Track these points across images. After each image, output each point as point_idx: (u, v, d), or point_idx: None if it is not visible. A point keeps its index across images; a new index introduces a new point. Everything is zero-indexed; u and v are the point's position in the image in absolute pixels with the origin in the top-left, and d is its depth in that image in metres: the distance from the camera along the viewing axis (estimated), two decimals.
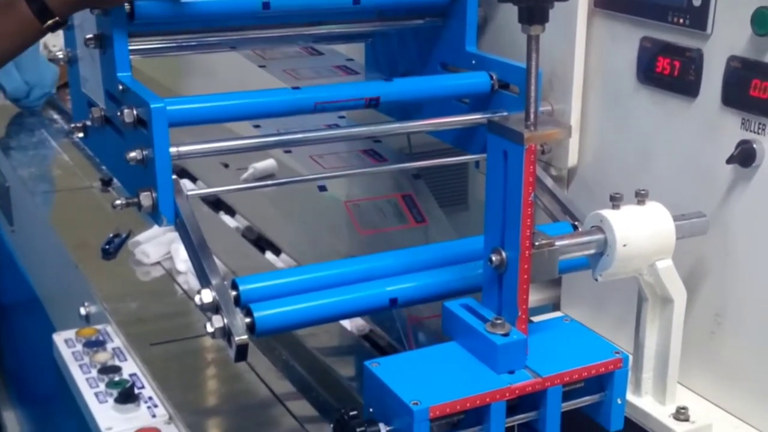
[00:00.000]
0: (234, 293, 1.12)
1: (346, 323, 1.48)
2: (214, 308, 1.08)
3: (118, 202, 1.17)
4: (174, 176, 1.16)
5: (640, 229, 1.11)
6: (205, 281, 1.09)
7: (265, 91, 1.27)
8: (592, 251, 1.11)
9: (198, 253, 1.12)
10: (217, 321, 1.07)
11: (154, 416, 1.24)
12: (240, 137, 1.27)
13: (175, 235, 1.69)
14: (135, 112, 1.16)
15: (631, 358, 1.14)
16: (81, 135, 1.40)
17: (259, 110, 1.27)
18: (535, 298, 1.45)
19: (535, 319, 1.19)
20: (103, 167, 2.01)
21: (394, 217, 1.48)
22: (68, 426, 1.90)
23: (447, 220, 1.65)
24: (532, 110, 1.03)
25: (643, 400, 1.20)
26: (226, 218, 1.95)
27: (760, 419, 1.18)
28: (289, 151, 1.41)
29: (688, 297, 1.16)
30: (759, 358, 1.18)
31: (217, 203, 2.01)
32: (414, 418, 0.97)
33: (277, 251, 1.80)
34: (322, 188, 1.43)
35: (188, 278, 1.65)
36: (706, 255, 1.22)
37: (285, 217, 1.94)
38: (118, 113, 1.18)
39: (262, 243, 1.84)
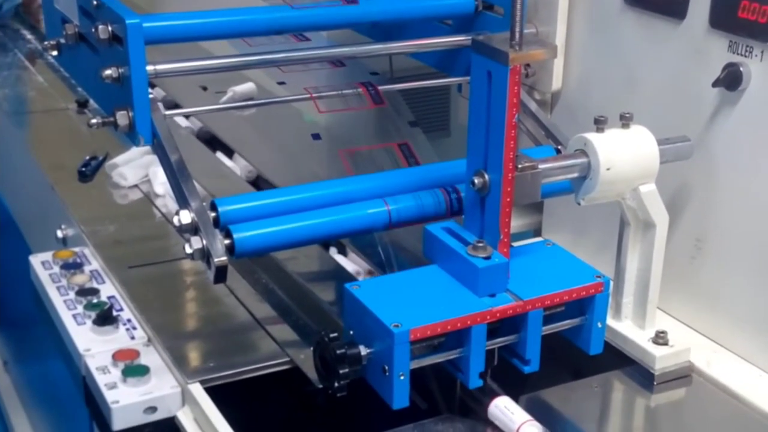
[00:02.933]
0: (213, 214, 1.10)
1: (347, 265, 1.46)
2: (193, 229, 1.07)
3: (93, 120, 1.15)
4: (151, 95, 1.14)
5: (623, 153, 1.10)
6: (183, 202, 1.08)
7: (245, 9, 1.24)
8: (575, 175, 1.10)
9: (176, 173, 1.10)
10: (196, 242, 1.06)
11: (132, 338, 1.23)
12: (219, 56, 1.24)
13: (153, 158, 1.67)
14: (110, 28, 1.13)
15: (611, 282, 1.14)
16: (55, 53, 1.37)
17: (238, 28, 1.24)
18: (516, 223, 1.45)
19: (517, 244, 1.18)
20: (79, 88, 1.97)
21: (389, 166, 1.47)
22: (47, 348, 1.90)
23: (430, 146, 1.63)
24: (517, 30, 1.00)
25: (623, 325, 1.20)
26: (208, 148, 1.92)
27: (738, 344, 1.19)
28: (283, 83, 1.38)
29: (670, 222, 1.16)
30: (738, 283, 1.18)
31: (207, 139, 1.97)
32: (394, 340, 0.97)
33: (258, 178, 1.78)
34: (316, 136, 1.41)
35: (167, 201, 1.63)
36: (689, 180, 1.21)
37: (264, 140, 1.92)
38: (93, 30, 1.14)
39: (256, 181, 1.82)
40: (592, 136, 1.09)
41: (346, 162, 1.40)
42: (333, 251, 1.50)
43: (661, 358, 1.16)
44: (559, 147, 1.24)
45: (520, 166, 1.03)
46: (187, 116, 1.99)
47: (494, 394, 1.06)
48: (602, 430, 1.13)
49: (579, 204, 1.12)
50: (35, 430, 2.48)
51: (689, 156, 1.16)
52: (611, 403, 1.17)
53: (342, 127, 1.67)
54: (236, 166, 1.80)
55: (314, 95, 1.26)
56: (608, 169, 1.08)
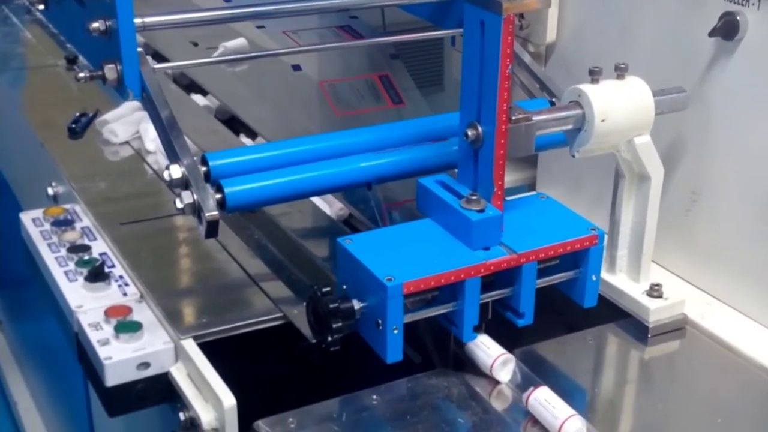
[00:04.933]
0: (204, 169, 1.09)
1: (326, 208, 1.45)
2: (184, 184, 1.06)
3: (81, 74, 1.13)
4: (140, 49, 1.12)
5: (618, 104, 1.08)
6: (173, 157, 1.07)
7: None
8: (569, 126, 1.08)
9: (166, 128, 1.09)
10: (187, 197, 1.05)
11: (125, 294, 1.23)
12: (208, 9, 1.23)
13: (144, 114, 1.65)
14: None
15: (606, 235, 1.14)
16: (42, 7, 1.35)
17: None
18: (511, 178, 1.44)
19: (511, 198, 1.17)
20: (68, 45, 1.95)
21: (370, 97, 1.45)
22: (40, 306, 1.89)
23: (424, 100, 1.62)
24: None
25: (617, 278, 1.20)
26: (197, 98, 1.90)
27: (732, 296, 1.19)
28: (263, 27, 1.36)
29: (665, 174, 1.15)
30: (733, 235, 1.17)
31: (189, 86, 1.96)
32: (388, 293, 0.97)
33: (250, 132, 1.76)
34: (296, 67, 1.39)
35: (158, 158, 1.61)
36: (684, 131, 1.20)
37: (257, 97, 1.90)
38: None
39: (235, 124, 1.80)
40: (587, 88, 1.08)
41: (326, 93, 1.38)
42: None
43: (656, 311, 1.15)
44: (554, 99, 1.22)
45: (513, 117, 1.02)
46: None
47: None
48: (597, 382, 1.13)
49: (573, 156, 1.11)
50: (31, 389, 2.49)
51: (685, 107, 1.15)
52: (605, 356, 1.17)
53: (323, 61, 1.63)
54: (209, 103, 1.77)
55: (308, 50, 1.25)
56: (603, 121, 1.07)
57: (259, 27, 1.34)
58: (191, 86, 1.96)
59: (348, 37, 1.33)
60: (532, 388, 1.00)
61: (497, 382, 1.05)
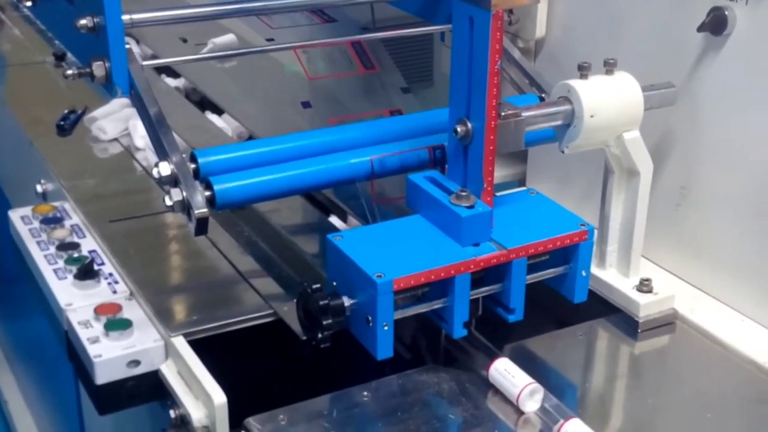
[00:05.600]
0: (193, 166, 1.09)
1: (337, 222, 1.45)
2: (173, 181, 1.05)
3: (69, 72, 1.13)
4: (128, 45, 1.11)
5: (608, 100, 1.08)
6: (162, 154, 1.06)
7: None
8: (558, 122, 1.08)
9: (155, 125, 1.08)
10: (176, 194, 1.04)
11: (114, 292, 1.22)
12: (197, 5, 1.22)
13: (133, 110, 1.64)
14: None
15: (596, 231, 1.14)
16: (29, 4, 1.34)
17: None
18: (500, 173, 1.43)
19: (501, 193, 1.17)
20: (56, 41, 1.94)
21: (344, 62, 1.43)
22: (30, 304, 1.89)
23: (413, 97, 1.62)
24: None
25: (607, 273, 1.20)
26: (173, 80, 1.89)
27: (722, 291, 1.19)
28: (272, 39, 1.35)
29: (655, 169, 1.15)
30: (723, 230, 1.18)
31: (189, 94, 1.95)
32: (378, 290, 0.97)
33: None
34: (306, 105, 1.38)
35: (147, 155, 1.61)
36: (674, 127, 1.20)
37: (246, 93, 1.89)
38: None
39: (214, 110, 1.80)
40: (576, 83, 1.08)
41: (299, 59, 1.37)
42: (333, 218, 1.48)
43: (645, 306, 1.16)
44: (543, 95, 1.22)
45: (503, 113, 1.02)
46: (171, 73, 1.96)
47: (491, 354, 1.06)
48: (587, 378, 1.13)
49: (563, 152, 1.11)
50: (22, 388, 2.48)
51: (674, 102, 1.15)
52: (596, 351, 1.17)
53: (331, 93, 1.64)
54: (221, 121, 1.78)
55: (296, 46, 1.24)
56: (592, 116, 1.07)
57: (268, 40, 1.33)
58: (182, 85, 1.95)
59: (321, 21, 1.30)
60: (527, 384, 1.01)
61: (486, 380, 1.05)
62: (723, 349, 1.12)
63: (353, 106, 1.55)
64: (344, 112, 1.48)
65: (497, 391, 1.03)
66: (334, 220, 1.44)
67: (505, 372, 1.02)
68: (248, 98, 1.85)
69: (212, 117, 1.78)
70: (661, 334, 1.16)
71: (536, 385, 1.00)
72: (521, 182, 1.50)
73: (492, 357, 1.05)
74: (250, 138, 1.71)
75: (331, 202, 1.48)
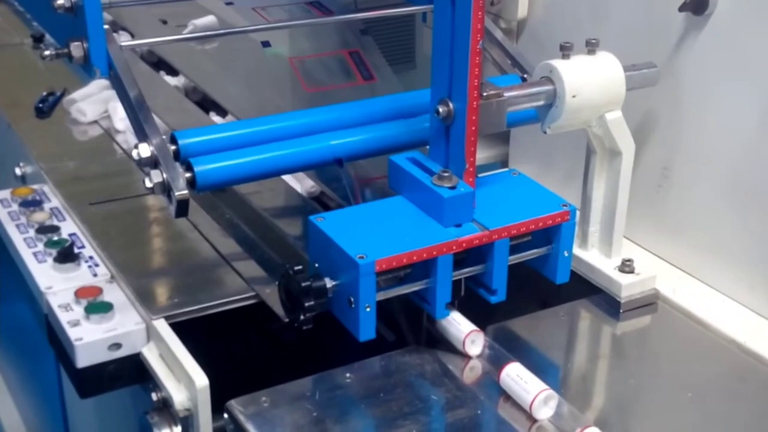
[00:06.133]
0: (173, 147, 1.08)
1: (297, 185, 1.44)
2: (153, 163, 1.04)
3: (47, 52, 1.11)
4: (106, 26, 1.10)
5: (590, 80, 1.08)
6: (142, 135, 1.06)
7: None
8: (541, 102, 1.08)
9: (134, 106, 1.07)
10: (156, 176, 1.04)
11: (95, 275, 1.22)
12: None
13: (113, 93, 1.63)
14: None
15: (578, 212, 1.14)
16: None
17: None
18: (483, 155, 1.44)
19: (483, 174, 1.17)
20: (34, 23, 1.92)
21: (341, 74, 1.43)
22: (9, 287, 1.87)
23: (395, 77, 1.60)
24: None
25: (589, 254, 1.20)
26: (167, 78, 1.88)
27: (703, 271, 1.20)
28: (231, 3, 1.34)
29: (637, 150, 1.15)
30: (704, 211, 1.18)
31: (158, 64, 1.94)
32: (360, 271, 0.96)
33: (221, 111, 1.75)
34: (266, 44, 1.37)
35: (127, 137, 1.60)
36: (655, 107, 1.20)
37: (227, 75, 1.88)
38: None
39: (206, 104, 1.79)
40: (558, 63, 1.08)
41: (296, 69, 1.37)
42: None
43: (627, 286, 1.16)
44: (525, 75, 1.22)
45: (485, 94, 1.02)
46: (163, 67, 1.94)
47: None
48: (569, 358, 1.13)
49: (545, 133, 1.11)
50: (3, 372, 2.46)
51: (656, 82, 1.15)
52: (578, 331, 1.17)
53: (292, 37, 1.62)
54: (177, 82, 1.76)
55: (276, 27, 1.23)
56: (574, 96, 1.07)
57: (227, 3, 1.31)
58: (160, 64, 1.94)
59: (318, 13, 1.31)
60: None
61: (470, 359, 1.05)
62: (704, 328, 1.13)
63: (313, 48, 1.53)
64: (302, 53, 1.46)
65: (477, 370, 1.03)
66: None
67: (517, 378, 1.00)
68: (227, 78, 1.84)
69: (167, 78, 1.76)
70: (643, 314, 1.16)
71: (550, 392, 0.97)
72: (504, 164, 1.50)
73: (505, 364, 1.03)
74: (204, 96, 1.70)
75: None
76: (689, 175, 1.19)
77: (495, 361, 1.04)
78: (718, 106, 1.13)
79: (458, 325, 1.06)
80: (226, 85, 1.82)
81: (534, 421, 0.97)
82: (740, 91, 1.10)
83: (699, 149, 1.17)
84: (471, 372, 1.05)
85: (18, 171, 1.57)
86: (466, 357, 1.06)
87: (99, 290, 1.17)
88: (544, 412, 0.97)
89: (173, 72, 1.91)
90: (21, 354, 2.10)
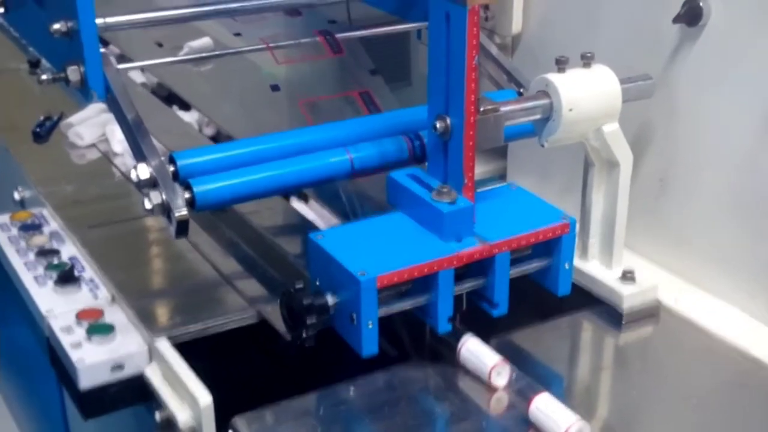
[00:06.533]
0: (172, 168, 1.08)
1: (309, 214, 1.45)
2: (152, 184, 1.05)
3: (44, 77, 1.12)
4: (103, 50, 1.11)
5: (586, 93, 1.09)
6: (140, 157, 1.06)
7: None
8: (537, 116, 1.09)
9: (132, 128, 1.08)
10: (155, 197, 1.04)
11: (96, 297, 1.22)
12: (171, 8, 1.22)
13: (110, 116, 1.63)
14: None
15: (577, 224, 1.14)
16: (1, 10, 1.33)
17: None
18: (481, 169, 1.44)
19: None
20: (30, 48, 1.92)
21: (352, 116, 1.45)
22: (10, 311, 1.87)
23: (381, 79, 1.61)
24: None
25: (590, 265, 1.20)
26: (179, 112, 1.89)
27: (705, 280, 1.20)
28: (239, 34, 1.35)
29: (635, 161, 1.15)
30: (704, 219, 1.18)
31: (165, 96, 1.94)
32: (361, 288, 0.96)
33: (219, 134, 1.75)
34: (275, 87, 1.38)
35: (125, 160, 1.60)
36: (652, 118, 1.21)
37: (224, 97, 1.89)
38: None
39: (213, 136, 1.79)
40: (554, 77, 1.08)
41: (306, 113, 1.38)
42: (294, 200, 1.47)
43: (629, 297, 1.16)
44: (521, 90, 1.23)
45: (482, 109, 1.02)
46: (143, 70, 1.95)
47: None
48: (573, 369, 1.13)
49: (543, 146, 1.11)
50: (5, 395, 2.46)
51: (651, 94, 1.16)
52: (580, 343, 1.17)
53: (301, 78, 1.64)
54: (194, 121, 1.77)
55: (271, 45, 1.24)
56: (571, 110, 1.07)
57: (235, 35, 1.32)
58: (156, 86, 1.94)
59: (321, 39, 1.31)
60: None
61: (472, 374, 1.05)
62: (707, 337, 1.13)
63: (322, 89, 1.55)
64: (313, 95, 1.48)
65: (486, 386, 1.03)
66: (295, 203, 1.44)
67: (546, 409, 0.97)
68: (220, 96, 1.85)
69: (179, 112, 1.77)
70: (645, 324, 1.16)
71: (583, 423, 0.95)
72: (502, 178, 1.51)
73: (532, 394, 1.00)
74: (227, 138, 1.70)
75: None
76: (688, 184, 1.19)
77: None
78: (714, 116, 1.14)
79: (482, 357, 1.03)
80: (222, 105, 1.83)
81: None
82: (736, 100, 1.11)
83: (696, 158, 1.17)
84: (475, 386, 1.04)
85: (17, 195, 1.57)
86: (468, 370, 1.05)
87: (100, 312, 1.17)
88: None
89: (168, 94, 1.91)
90: (23, 377, 2.09)
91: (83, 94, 1.13)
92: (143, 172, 1.05)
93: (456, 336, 1.06)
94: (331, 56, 1.27)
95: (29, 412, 2.13)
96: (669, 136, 1.20)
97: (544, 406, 0.96)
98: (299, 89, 1.68)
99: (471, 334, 1.05)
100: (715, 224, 1.17)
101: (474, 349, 1.04)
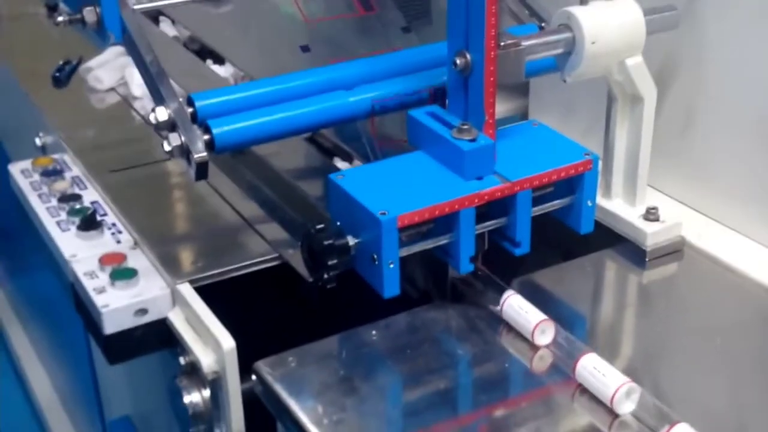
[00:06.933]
0: (190, 110, 1.08)
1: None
2: (170, 126, 1.04)
3: (60, 18, 1.11)
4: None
5: (609, 25, 1.06)
6: (159, 99, 1.05)
7: None
8: (559, 51, 1.06)
9: (149, 70, 1.07)
10: (174, 139, 1.03)
11: (118, 242, 1.22)
12: None
13: (129, 59, 1.62)
14: None
15: (600, 161, 1.13)
16: None
17: None
18: (502, 108, 1.41)
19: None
20: None
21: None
22: (35, 258, 1.89)
23: (414, 36, 1.59)
24: None
25: (613, 203, 1.19)
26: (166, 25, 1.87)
27: (729, 216, 1.18)
28: None
29: (659, 95, 1.13)
30: (729, 155, 1.16)
31: (196, 49, 1.92)
32: (382, 228, 0.96)
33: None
34: (305, 49, 1.36)
35: (145, 103, 1.59)
36: (676, 51, 1.18)
37: (244, 38, 1.87)
38: None
39: (217, 60, 1.77)
40: (576, 10, 1.06)
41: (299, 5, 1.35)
42: (337, 160, 1.46)
43: (653, 234, 1.15)
44: (543, 24, 1.20)
45: (502, 43, 1.00)
46: (173, 22, 1.93)
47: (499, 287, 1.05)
48: (596, 309, 1.12)
49: (565, 81, 1.09)
50: (33, 343, 2.49)
51: (677, 26, 1.13)
52: (604, 281, 1.17)
53: (329, 36, 1.62)
54: (229, 75, 1.75)
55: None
56: (593, 43, 1.05)
57: None
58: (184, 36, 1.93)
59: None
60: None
61: (494, 314, 1.05)
62: (731, 274, 1.12)
63: (353, 48, 1.53)
64: (344, 55, 1.46)
65: (508, 327, 1.03)
66: (338, 162, 1.43)
67: (594, 370, 0.93)
68: (245, 43, 1.83)
69: (214, 67, 1.76)
70: (669, 262, 1.15)
71: (632, 385, 0.91)
72: (524, 116, 1.48)
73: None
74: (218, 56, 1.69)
75: (335, 146, 1.46)
76: (714, 119, 1.17)
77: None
78: (743, 48, 1.11)
79: (526, 315, 1.01)
80: (242, 48, 1.81)
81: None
82: (764, 28, 1.08)
83: (723, 92, 1.15)
84: (498, 326, 1.04)
85: (38, 141, 1.57)
86: (492, 312, 1.05)
87: (123, 257, 1.18)
88: (626, 407, 0.91)
89: (190, 39, 1.89)
90: (50, 323, 2.12)
91: (100, 35, 1.12)
92: (162, 114, 1.04)
93: (477, 277, 1.06)
94: (362, 14, 1.25)
95: (57, 358, 2.16)
96: (695, 70, 1.17)
97: (591, 366, 0.93)
98: (328, 48, 1.65)
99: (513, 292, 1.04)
100: (741, 159, 1.15)
101: (517, 306, 1.03)
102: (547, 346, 1.00)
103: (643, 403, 0.90)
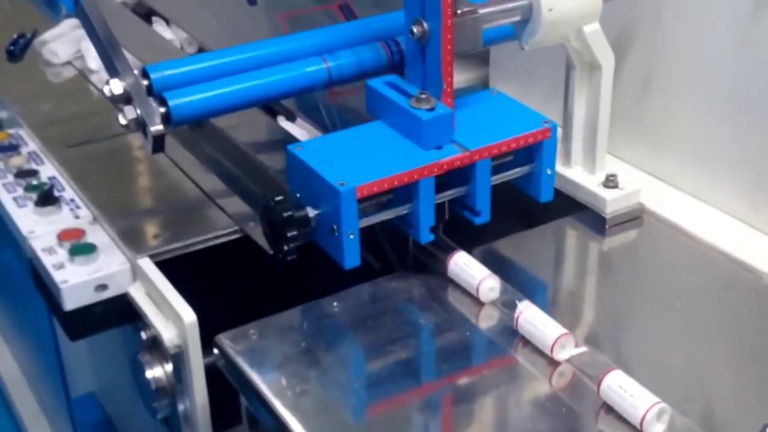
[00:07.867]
0: (146, 82, 1.06)
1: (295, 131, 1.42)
2: (126, 99, 1.03)
3: None
4: None
5: None
6: (113, 71, 1.04)
7: None
8: (517, 18, 1.06)
9: (102, 41, 1.05)
10: (130, 112, 1.02)
11: (77, 218, 1.20)
12: None
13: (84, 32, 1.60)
14: None
15: (559, 129, 1.13)
16: None
17: None
18: (462, 77, 1.42)
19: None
20: None
21: None
22: None
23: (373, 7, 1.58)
24: None
25: (572, 171, 1.19)
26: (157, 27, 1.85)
27: (688, 182, 1.19)
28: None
29: (617, 63, 1.13)
30: (687, 122, 1.17)
31: (143, 13, 1.90)
32: (341, 198, 0.95)
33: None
34: (252, 2, 1.34)
35: (102, 76, 1.57)
36: (634, 18, 1.18)
37: (202, 8, 1.85)
38: None
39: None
40: None
41: (284, 26, 1.35)
42: (281, 119, 1.46)
43: (612, 201, 1.15)
44: None
45: (459, 11, 1.00)
46: None
47: (450, 249, 1.05)
48: (557, 276, 1.13)
49: (523, 49, 1.09)
50: None
51: None
52: (565, 249, 1.17)
53: None
54: (176, 39, 1.74)
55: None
56: (550, 10, 1.05)
57: None
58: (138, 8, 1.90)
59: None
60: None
61: (456, 283, 1.05)
62: (691, 240, 1.13)
63: (301, 1, 1.52)
64: (291, 8, 1.44)
65: (466, 293, 1.03)
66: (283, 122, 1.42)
67: (619, 389, 0.87)
68: (195, 8, 1.81)
69: (160, 28, 1.73)
70: (628, 228, 1.16)
71: (663, 405, 0.85)
72: (485, 85, 1.48)
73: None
74: (201, 50, 1.67)
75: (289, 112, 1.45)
76: (672, 84, 1.17)
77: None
78: (699, 14, 1.11)
79: (543, 328, 0.95)
80: (203, 21, 1.79)
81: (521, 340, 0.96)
82: None
83: (681, 58, 1.15)
84: (459, 295, 1.04)
85: None
86: (452, 281, 1.05)
87: (82, 232, 1.16)
88: (657, 428, 0.85)
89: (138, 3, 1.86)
90: (12, 301, 2.10)
91: (52, 8, 1.10)
92: (116, 86, 1.03)
93: (438, 246, 1.06)
94: None
95: (21, 335, 2.14)
96: (652, 36, 1.17)
97: (618, 384, 0.87)
98: (277, 2, 1.64)
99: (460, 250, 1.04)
100: (699, 126, 1.15)
101: (462, 263, 1.03)
102: (493, 303, 1.00)
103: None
